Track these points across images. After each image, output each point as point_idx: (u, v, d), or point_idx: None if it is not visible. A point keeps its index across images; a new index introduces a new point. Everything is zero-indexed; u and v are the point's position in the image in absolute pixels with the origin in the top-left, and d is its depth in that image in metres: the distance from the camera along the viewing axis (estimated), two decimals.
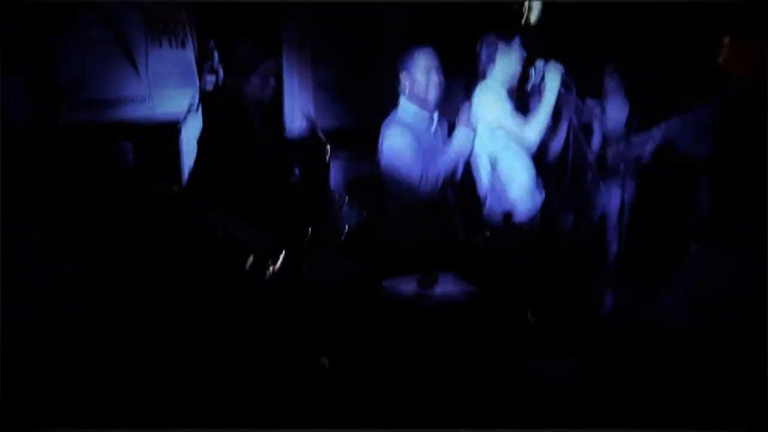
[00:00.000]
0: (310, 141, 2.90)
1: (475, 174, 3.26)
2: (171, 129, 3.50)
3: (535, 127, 3.11)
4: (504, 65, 3.24)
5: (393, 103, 3.15)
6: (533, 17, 5.53)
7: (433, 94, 3.05)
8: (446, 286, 2.70)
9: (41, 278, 2.32)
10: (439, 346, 2.55)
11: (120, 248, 2.89)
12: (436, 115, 3.15)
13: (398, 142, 2.99)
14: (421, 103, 3.07)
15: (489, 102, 3.14)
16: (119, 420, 2.38)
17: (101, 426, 2.31)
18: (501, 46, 3.22)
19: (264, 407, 2.41)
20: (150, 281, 2.88)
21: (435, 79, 3.02)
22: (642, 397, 3.12)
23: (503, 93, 3.21)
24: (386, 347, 2.56)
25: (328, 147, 2.83)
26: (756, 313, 3.06)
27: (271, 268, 2.53)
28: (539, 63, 3.17)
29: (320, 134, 2.82)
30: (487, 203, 3.19)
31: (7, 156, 2.18)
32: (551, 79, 3.12)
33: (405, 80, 3.06)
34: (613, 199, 4.05)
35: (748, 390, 2.89)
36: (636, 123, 4.02)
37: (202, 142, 2.64)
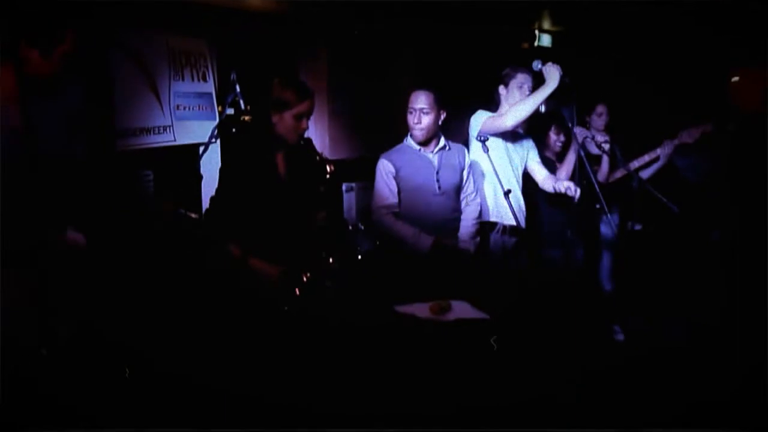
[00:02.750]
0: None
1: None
2: (191, 159, 3.59)
3: (512, 114, 3.18)
4: (513, 96, 3.36)
5: (404, 135, 3.28)
6: (544, 42, 5.67)
7: (416, 135, 3.17)
8: (459, 313, 2.73)
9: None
10: (452, 369, 2.58)
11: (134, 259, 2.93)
12: (436, 149, 3.23)
13: (378, 170, 3.20)
14: (415, 139, 3.20)
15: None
16: (119, 420, 2.38)
17: (101, 426, 2.30)
18: (511, 81, 3.35)
19: (267, 413, 2.41)
20: (156, 287, 2.94)
21: (420, 120, 3.13)
22: (643, 398, 3.15)
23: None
24: (398, 369, 2.59)
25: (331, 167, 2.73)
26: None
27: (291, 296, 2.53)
28: (536, 62, 3.22)
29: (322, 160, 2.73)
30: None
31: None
32: (549, 77, 3.14)
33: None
34: (614, 228, 4.06)
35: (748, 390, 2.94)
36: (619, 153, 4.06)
37: (223, 171, 2.63)
